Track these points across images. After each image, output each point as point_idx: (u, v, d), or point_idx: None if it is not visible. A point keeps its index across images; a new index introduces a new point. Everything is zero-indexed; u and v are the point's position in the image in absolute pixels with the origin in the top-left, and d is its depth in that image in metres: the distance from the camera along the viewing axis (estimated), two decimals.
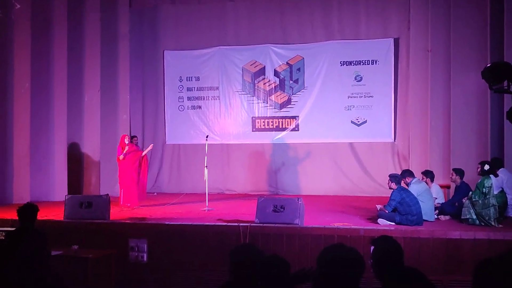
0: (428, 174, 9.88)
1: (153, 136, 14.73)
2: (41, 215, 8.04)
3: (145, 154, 11.60)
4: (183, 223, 8.68)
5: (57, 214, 9.26)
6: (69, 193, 11.31)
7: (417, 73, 12.60)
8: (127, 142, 10.99)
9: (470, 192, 8.83)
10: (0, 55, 11.58)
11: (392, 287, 3.50)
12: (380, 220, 8.63)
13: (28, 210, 6.03)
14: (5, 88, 11.57)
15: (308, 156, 13.77)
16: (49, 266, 4.90)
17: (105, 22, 13.35)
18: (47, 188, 12.20)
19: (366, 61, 13.43)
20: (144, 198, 11.56)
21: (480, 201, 8.51)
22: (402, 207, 8.51)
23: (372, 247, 3.79)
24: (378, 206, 9.07)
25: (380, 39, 13.36)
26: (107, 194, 9.48)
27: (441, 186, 10.35)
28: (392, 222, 8.51)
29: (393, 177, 8.83)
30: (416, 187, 9.05)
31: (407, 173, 9.49)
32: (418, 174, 9.73)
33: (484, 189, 8.56)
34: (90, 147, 13.04)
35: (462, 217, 8.62)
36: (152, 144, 12.00)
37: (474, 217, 8.51)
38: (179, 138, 14.60)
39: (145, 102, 14.83)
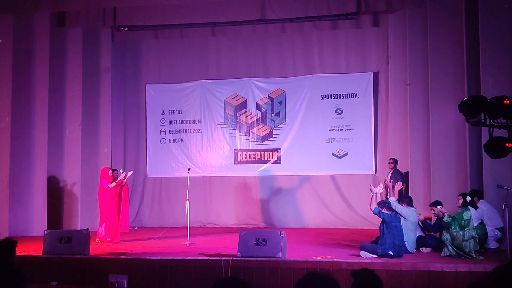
0: (405, 200, 9.89)
1: (135, 169, 14.58)
2: (20, 251, 7.92)
3: (126, 185, 11.54)
4: (164, 258, 8.60)
5: (36, 250, 9.13)
6: (48, 227, 11.18)
7: (397, 106, 12.79)
8: (110, 174, 11.00)
9: (449, 218, 8.87)
10: None
11: None
12: (362, 253, 8.66)
13: (6, 246, 5.92)
14: None
15: (290, 189, 13.80)
16: None
17: (87, 56, 13.37)
18: (26, 222, 12.01)
19: (346, 95, 13.60)
20: (127, 230, 11.49)
21: (460, 233, 8.58)
22: (390, 229, 8.62)
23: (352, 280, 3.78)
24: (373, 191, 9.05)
25: (359, 73, 13.59)
26: (87, 229, 9.38)
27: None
28: (374, 254, 8.54)
29: (382, 203, 8.92)
30: (406, 212, 9.12)
31: (408, 200, 9.62)
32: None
33: (462, 222, 8.64)
34: (71, 181, 12.92)
35: (442, 255, 8.70)
36: (131, 171, 11.93)
37: (454, 253, 8.59)
38: (161, 171, 14.54)
39: (126, 135, 14.79)
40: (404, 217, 9.01)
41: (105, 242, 10.57)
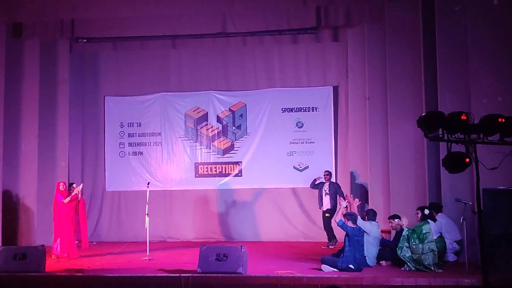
0: (369, 214, 9.97)
1: (92, 183, 14.37)
2: None
3: (82, 200, 11.32)
4: (122, 275, 8.45)
5: None
6: (3, 244, 10.86)
7: (356, 120, 12.91)
8: (62, 189, 10.78)
9: (408, 231, 8.97)
10: None
11: None
12: (323, 267, 8.68)
13: None
14: None
15: (252, 202, 13.74)
16: None
17: (45, 67, 13.11)
18: None
19: (306, 108, 13.67)
20: (86, 246, 11.27)
21: (420, 246, 8.67)
22: (352, 242, 8.64)
23: None
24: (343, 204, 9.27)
25: (320, 86, 13.68)
26: (43, 245, 9.15)
27: (382, 231, 10.48)
28: (334, 268, 8.57)
29: (349, 215, 8.96)
30: (368, 227, 9.18)
31: (371, 213, 9.79)
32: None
33: (421, 235, 8.74)
34: (27, 195, 12.59)
35: (401, 269, 8.79)
36: (82, 184, 11.69)
37: (414, 269, 8.69)
38: (120, 185, 14.29)
39: (84, 148, 14.51)
40: (367, 232, 9.07)
41: (62, 258, 10.31)
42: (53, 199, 11.12)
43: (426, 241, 8.72)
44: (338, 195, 11.71)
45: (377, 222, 9.61)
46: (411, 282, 7.83)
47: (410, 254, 8.77)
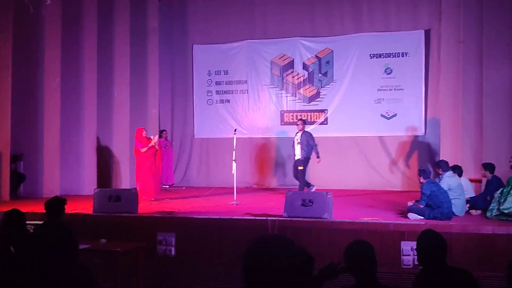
0: (456, 169, 9.60)
1: (182, 130, 14.78)
2: (70, 209, 8.16)
3: (159, 149, 11.49)
4: (211, 217, 8.66)
5: (86, 208, 9.32)
6: (98, 187, 11.39)
7: (449, 66, 12.33)
8: (144, 135, 11.00)
9: (501, 188, 8.59)
10: (31, 51, 11.70)
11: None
12: (410, 215, 8.50)
13: (56, 204, 6.06)
14: (36, 85, 11.67)
15: (337, 150, 13.62)
16: (77, 260, 4.92)
17: (134, 17, 13.38)
18: (77, 182, 12.31)
19: (396, 54, 13.23)
20: (159, 192, 11.49)
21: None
22: (432, 200, 8.37)
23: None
24: (410, 203, 8.90)
25: (410, 31, 13.16)
26: (135, 188, 9.52)
27: (473, 181, 10.15)
28: (422, 216, 8.38)
29: (422, 171, 8.69)
30: (448, 181, 8.86)
31: (443, 164, 9.25)
32: None
33: None
34: (119, 142, 13.08)
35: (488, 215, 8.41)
36: (157, 135, 11.74)
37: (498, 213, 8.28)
38: (208, 132, 14.61)
39: (174, 96, 14.89)
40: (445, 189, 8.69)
41: (141, 199, 10.62)
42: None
43: None
44: (311, 146, 11.37)
45: (451, 171, 9.17)
46: (503, 231, 7.52)
47: (499, 213, 8.32)
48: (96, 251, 7.20)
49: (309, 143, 11.52)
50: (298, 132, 11.74)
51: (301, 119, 12.10)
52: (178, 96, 14.88)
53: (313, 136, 11.71)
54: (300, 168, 11.48)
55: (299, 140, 11.64)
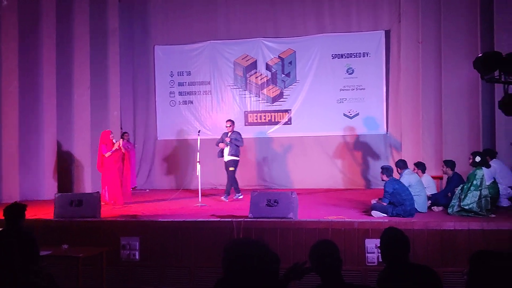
0: (419, 166, 9.86)
1: (144, 132, 14.63)
2: (31, 214, 7.98)
3: (126, 151, 11.27)
4: (175, 220, 8.59)
5: (47, 213, 9.15)
6: (59, 191, 11.19)
7: (409, 65, 12.55)
8: (112, 138, 10.78)
9: (462, 184, 8.78)
10: None
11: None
12: (373, 213, 8.60)
13: (15, 210, 5.90)
14: None
15: (301, 150, 13.71)
16: (39, 266, 4.82)
17: (94, 17, 13.16)
18: (37, 187, 12.03)
19: (357, 54, 13.38)
20: (129, 196, 11.28)
21: (473, 192, 8.46)
22: (395, 198, 8.51)
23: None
24: (373, 200, 9.04)
25: (371, 31, 13.34)
26: (98, 192, 9.37)
27: (434, 177, 10.32)
28: (385, 214, 8.49)
29: (384, 169, 8.82)
30: (407, 178, 9.06)
31: (401, 163, 9.51)
32: (410, 166, 9.70)
33: (475, 181, 8.52)
34: (80, 145, 12.85)
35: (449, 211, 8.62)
36: (121, 140, 11.36)
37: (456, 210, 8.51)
38: (171, 134, 14.49)
39: (136, 97, 14.71)
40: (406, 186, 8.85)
41: (109, 204, 10.50)
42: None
43: (479, 187, 8.48)
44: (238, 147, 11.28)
45: (409, 169, 9.39)
46: (464, 226, 7.69)
47: (459, 209, 8.53)
48: (58, 257, 7.05)
49: (237, 144, 11.31)
50: (228, 133, 11.44)
51: (230, 120, 11.79)
52: (140, 98, 14.71)
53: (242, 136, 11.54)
54: (231, 169, 11.34)
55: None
